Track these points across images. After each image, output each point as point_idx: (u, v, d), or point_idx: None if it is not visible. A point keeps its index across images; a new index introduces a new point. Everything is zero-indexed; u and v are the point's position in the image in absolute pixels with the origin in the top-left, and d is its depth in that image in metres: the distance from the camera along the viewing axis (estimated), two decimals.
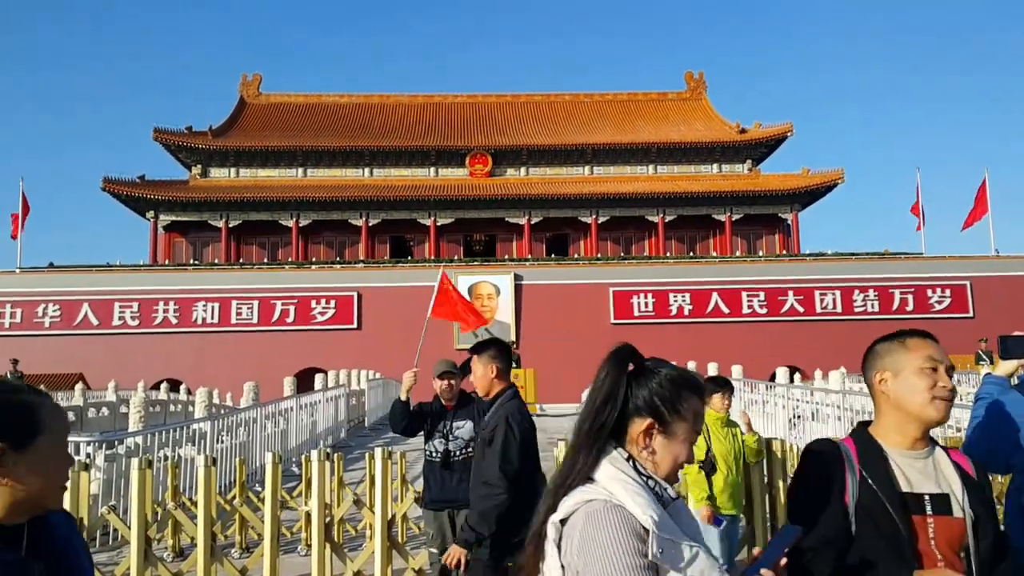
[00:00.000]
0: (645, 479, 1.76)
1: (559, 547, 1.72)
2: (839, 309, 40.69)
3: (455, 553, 3.66)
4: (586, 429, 1.87)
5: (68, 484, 1.54)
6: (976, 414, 3.26)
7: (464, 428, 5.11)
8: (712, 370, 18.61)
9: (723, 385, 5.49)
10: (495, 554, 3.73)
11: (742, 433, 5.46)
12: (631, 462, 1.79)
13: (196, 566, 5.33)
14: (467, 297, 40.26)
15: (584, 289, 40.74)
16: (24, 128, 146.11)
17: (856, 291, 40.87)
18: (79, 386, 21.85)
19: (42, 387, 12.05)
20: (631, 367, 1.95)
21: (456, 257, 45.76)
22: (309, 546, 7.53)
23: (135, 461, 5.55)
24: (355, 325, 39.00)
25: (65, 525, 1.69)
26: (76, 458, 6.19)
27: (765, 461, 5.56)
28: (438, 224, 47.21)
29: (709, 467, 5.20)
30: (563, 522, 1.75)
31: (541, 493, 3.61)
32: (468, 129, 52.58)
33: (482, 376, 4.12)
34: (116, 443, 9.35)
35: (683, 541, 1.65)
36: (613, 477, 1.73)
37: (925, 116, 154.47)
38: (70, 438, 8.64)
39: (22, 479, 1.50)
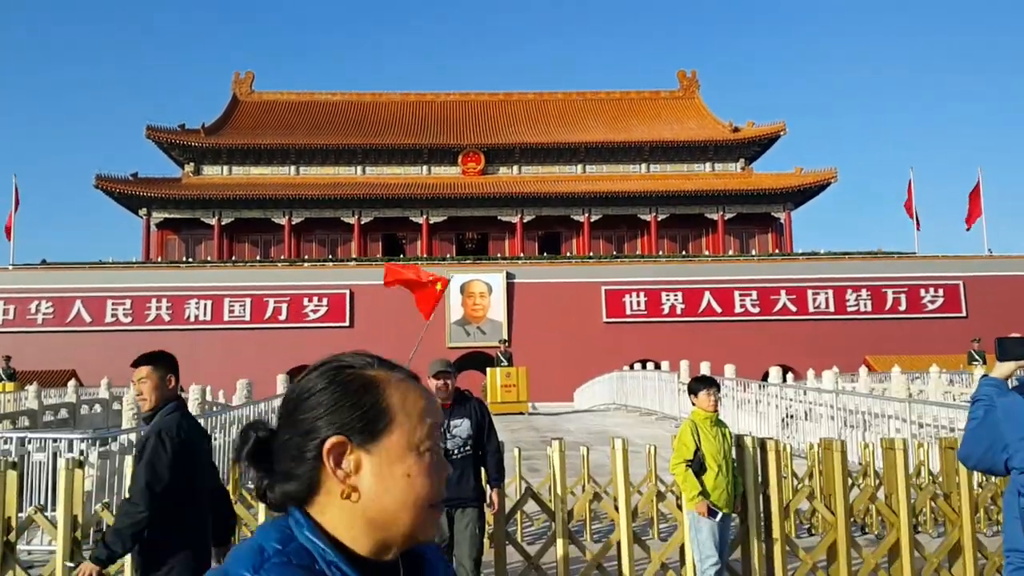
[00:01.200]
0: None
1: None
2: (832, 308, 40.82)
3: (87, 569, 3.44)
4: None
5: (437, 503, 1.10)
6: (974, 415, 3.28)
7: (461, 426, 5.12)
8: (704, 369, 18.63)
9: (709, 384, 5.52)
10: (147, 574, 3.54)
11: (731, 433, 5.49)
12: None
13: None
14: (459, 295, 40.26)
15: (576, 288, 40.77)
16: (16, 125, 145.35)
17: (849, 290, 41.01)
18: (72, 383, 21.76)
19: (35, 385, 11.95)
20: None
21: (448, 255, 45.74)
22: None
23: (129, 458, 5.54)
24: (347, 323, 38.96)
25: (444, 567, 1.23)
26: (68, 456, 6.19)
27: (759, 460, 5.59)
28: (431, 222, 47.17)
29: (698, 466, 5.23)
30: None
31: (206, 511, 3.54)
32: (461, 127, 52.54)
33: (151, 388, 3.81)
34: (109, 440, 9.32)
35: None
36: None
37: (919, 115, 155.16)
38: (62, 435, 8.59)
39: (373, 490, 1.06)
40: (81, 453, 8.29)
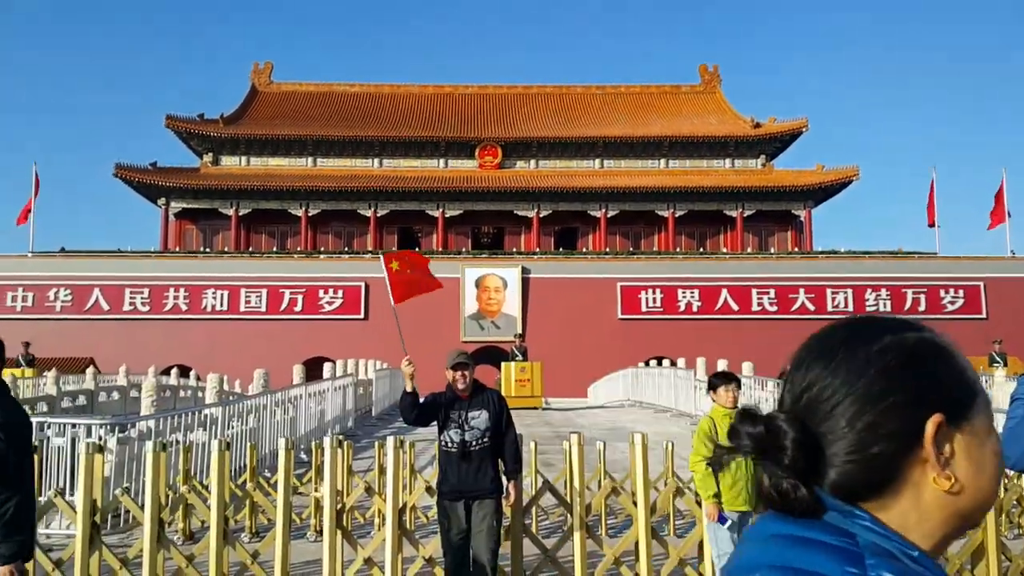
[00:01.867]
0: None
1: None
2: (851, 308, 40.50)
3: (3, 572, 3.23)
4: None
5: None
6: (1013, 415, 3.20)
7: (480, 418, 5.09)
8: (722, 366, 18.52)
9: (729, 379, 5.45)
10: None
11: None
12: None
13: (208, 549, 5.33)
14: (474, 289, 40.27)
15: (592, 283, 40.68)
16: (36, 114, 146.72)
17: (868, 290, 40.69)
18: (90, 370, 21.95)
19: (54, 371, 12.06)
20: None
21: (464, 249, 45.75)
22: (318, 532, 7.54)
23: (150, 444, 5.56)
24: (362, 315, 39.06)
25: None
26: (87, 441, 6.23)
27: None
28: (446, 216, 47.18)
29: (717, 464, 5.17)
30: None
31: (33, 499, 3.30)
32: (478, 120, 52.48)
33: None
34: (128, 426, 9.37)
35: None
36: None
37: (943, 114, 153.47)
38: (81, 420, 8.65)
39: (968, 477, 0.90)
40: (100, 439, 8.34)
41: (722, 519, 5.09)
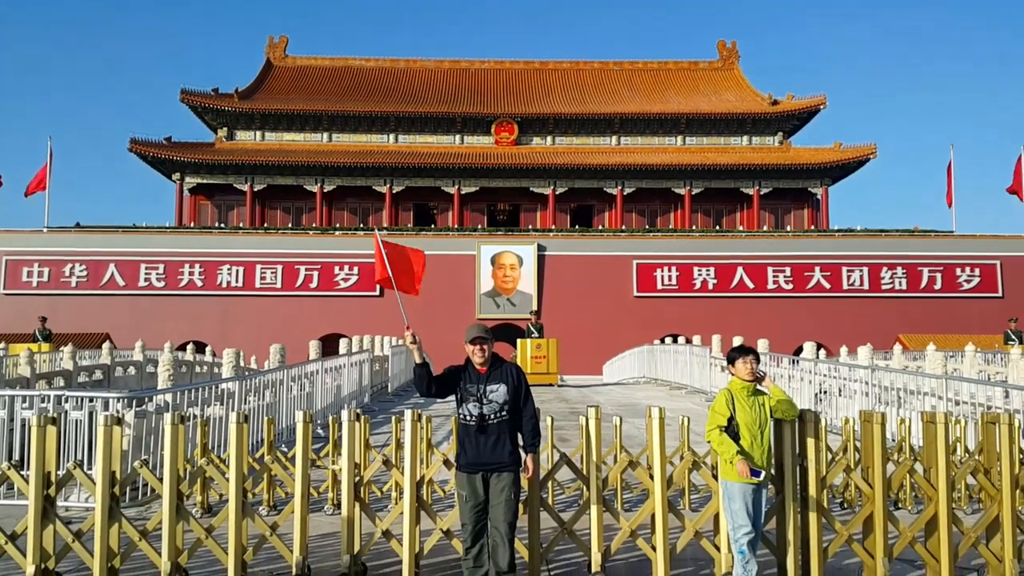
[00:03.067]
0: None
1: None
2: (866, 286, 40.26)
3: None
4: None
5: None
6: None
7: (498, 391, 5.09)
8: (738, 343, 18.47)
9: (746, 352, 5.42)
10: None
11: (769, 399, 5.40)
12: None
13: (227, 521, 5.37)
14: (490, 266, 40.26)
15: (607, 261, 40.59)
16: (52, 90, 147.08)
17: (884, 268, 40.39)
18: (106, 345, 22.14)
19: (70, 346, 12.17)
20: None
21: (479, 226, 45.69)
22: (336, 506, 7.60)
23: (168, 416, 5.59)
24: (378, 292, 39.16)
25: None
26: (106, 413, 6.27)
27: (797, 432, 5.50)
28: (462, 192, 47.08)
29: (732, 435, 5.18)
30: None
31: None
32: (494, 96, 52.17)
33: None
34: (146, 400, 9.44)
35: None
36: None
37: (962, 91, 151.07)
38: (99, 394, 8.71)
39: None
40: (118, 412, 8.41)
41: (755, 473, 5.07)
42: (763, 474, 5.12)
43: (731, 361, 5.49)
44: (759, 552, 5.57)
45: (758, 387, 5.41)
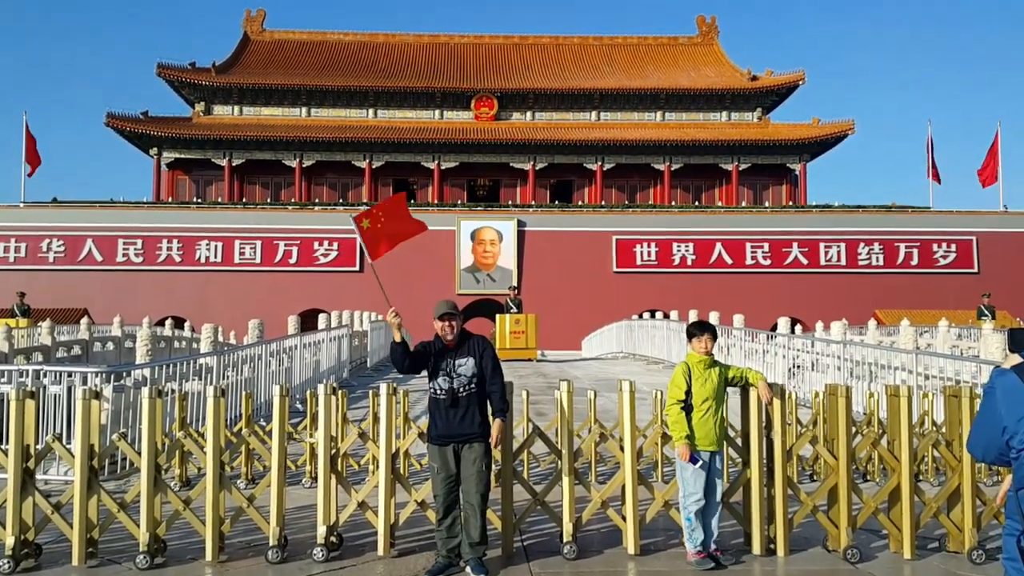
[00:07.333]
0: None
1: None
2: (843, 262, 40.72)
3: None
4: None
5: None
6: (981, 406, 3.23)
7: (466, 365, 5.21)
8: (713, 319, 18.68)
9: (704, 328, 5.65)
10: None
11: (725, 369, 5.60)
12: None
13: (205, 494, 5.45)
14: (469, 241, 40.25)
15: (587, 237, 40.71)
16: (25, 61, 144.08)
17: (861, 244, 40.84)
18: (84, 320, 22.01)
19: (48, 321, 12.11)
20: None
21: (459, 202, 45.59)
22: (313, 478, 7.69)
23: (146, 390, 5.64)
24: (357, 268, 39.09)
25: None
26: (84, 387, 6.28)
27: (764, 405, 5.65)
28: (442, 168, 46.91)
29: (688, 408, 5.38)
30: None
31: None
32: (474, 71, 51.84)
33: None
34: (124, 375, 9.45)
35: None
36: None
37: (939, 66, 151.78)
38: (77, 368, 8.72)
39: None
40: (96, 387, 8.43)
41: (693, 459, 5.29)
42: (700, 460, 5.31)
43: (690, 336, 5.69)
44: (726, 522, 5.74)
45: (715, 359, 5.59)
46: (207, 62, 48.90)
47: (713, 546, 5.34)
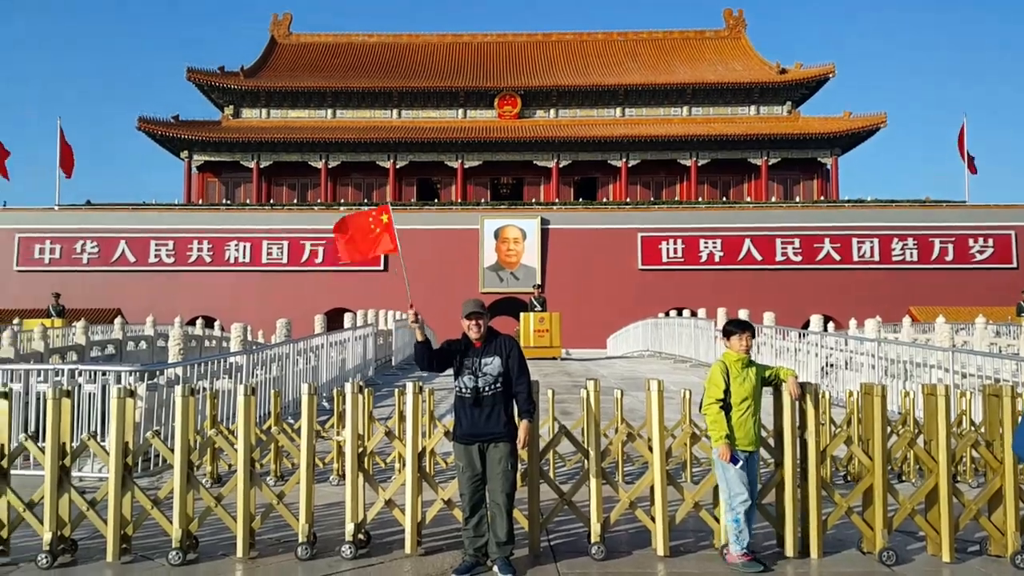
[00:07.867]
0: None
1: None
2: (877, 258, 40.09)
3: None
4: None
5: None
6: None
7: (492, 364, 5.19)
8: (743, 316, 18.48)
9: (743, 327, 5.51)
10: None
11: (761, 369, 5.51)
12: None
13: (236, 491, 5.49)
14: (493, 240, 40.26)
15: (612, 234, 40.51)
16: (60, 70, 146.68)
17: (895, 239, 40.17)
18: (118, 320, 22.33)
19: (83, 321, 12.33)
20: None
21: (483, 200, 45.62)
22: (340, 476, 7.72)
23: (179, 388, 5.70)
24: (382, 267, 39.25)
25: None
26: (119, 386, 6.37)
27: (798, 405, 5.56)
28: (466, 167, 46.96)
29: (727, 407, 5.29)
30: None
31: None
32: (497, 70, 51.83)
33: None
34: (157, 374, 9.57)
35: None
36: None
37: (974, 58, 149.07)
38: (111, 367, 8.84)
39: None
40: (130, 385, 8.53)
41: (734, 459, 5.19)
42: (741, 460, 5.22)
43: (727, 335, 5.56)
44: (758, 524, 5.65)
45: (751, 359, 5.49)
46: (236, 66, 49.46)
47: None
